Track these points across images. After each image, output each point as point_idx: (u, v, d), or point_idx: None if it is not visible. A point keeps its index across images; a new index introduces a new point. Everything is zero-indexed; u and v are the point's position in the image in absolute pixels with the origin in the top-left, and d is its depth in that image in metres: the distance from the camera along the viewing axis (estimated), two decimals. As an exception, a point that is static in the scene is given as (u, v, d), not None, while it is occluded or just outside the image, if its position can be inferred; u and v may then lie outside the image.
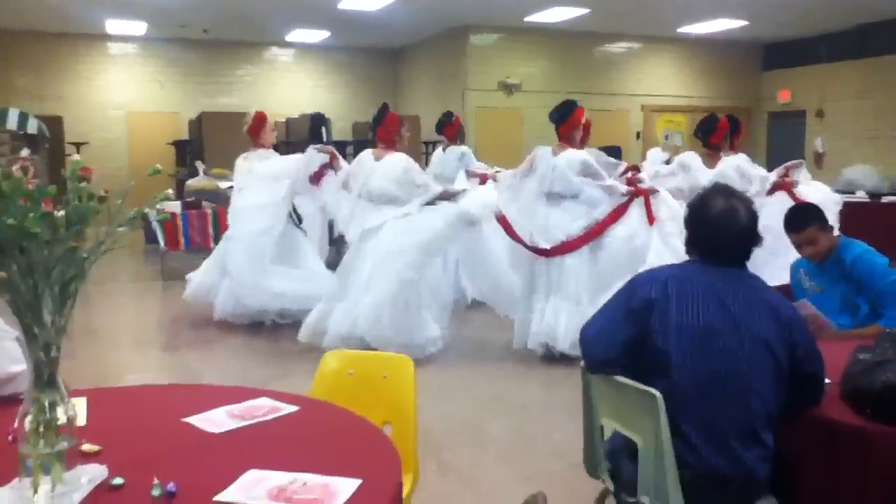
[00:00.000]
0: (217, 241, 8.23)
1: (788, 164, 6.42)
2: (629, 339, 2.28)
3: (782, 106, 14.52)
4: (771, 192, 6.04)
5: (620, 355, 2.29)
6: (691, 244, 2.39)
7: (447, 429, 4.18)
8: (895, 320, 3.11)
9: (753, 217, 2.33)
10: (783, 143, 14.40)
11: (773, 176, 6.07)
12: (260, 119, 6.44)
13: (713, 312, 2.21)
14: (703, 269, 2.31)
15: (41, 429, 1.52)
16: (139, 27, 12.74)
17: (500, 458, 3.84)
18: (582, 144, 5.53)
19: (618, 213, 5.32)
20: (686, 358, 2.20)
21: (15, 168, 1.51)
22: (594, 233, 5.28)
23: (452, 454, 3.84)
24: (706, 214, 2.33)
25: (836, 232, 3.54)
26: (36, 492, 1.49)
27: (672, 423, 2.15)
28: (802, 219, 3.27)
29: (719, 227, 2.29)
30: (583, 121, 5.52)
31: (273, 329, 6.27)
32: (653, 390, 2.15)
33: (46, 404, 1.53)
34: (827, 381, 2.30)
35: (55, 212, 1.52)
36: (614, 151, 9.96)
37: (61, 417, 1.54)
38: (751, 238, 2.31)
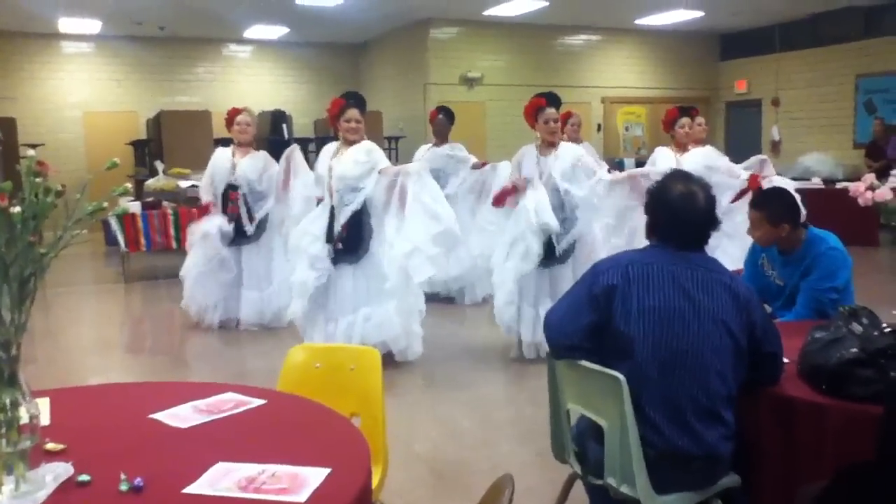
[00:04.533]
0: (179, 242, 8.14)
1: (756, 159, 6.33)
2: (592, 324, 2.32)
3: (739, 95, 14.76)
4: (739, 195, 5.96)
5: (584, 340, 2.33)
6: (651, 228, 2.43)
7: (414, 421, 4.20)
8: (795, 316, 3.16)
9: (711, 201, 2.38)
10: (741, 132, 14.65)
11: (744, 173, 6.04)
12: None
13: (673, 295, 2.26)
14: (662, 252, 2.35)
15: (2, 428, 1.50)
16: (93, 25, 12.50)
17: (468, 448, 3.87)
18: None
19: None
20: (647, 340, 2.24)
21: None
22: None
23: (420, 445, 3.86)
24: (665, 199, 2.37)
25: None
26: (0, 491, 1.47)
27: (635, 404, 2.20)
28: (760, 201, 3.27)
29: (678, 212, 2.34)
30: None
31: (239, 330, 6.22)
32: (617, 374, 2.20)
33: (7, 403, 1.52)
34: (785, 360, 2.37)
35: (11, 208, 1.50)
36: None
37: (23, 416, 1.53)
38: (709, 222, 2.36)
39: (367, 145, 5.05)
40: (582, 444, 2.45)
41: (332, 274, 5.02)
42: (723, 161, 6.18)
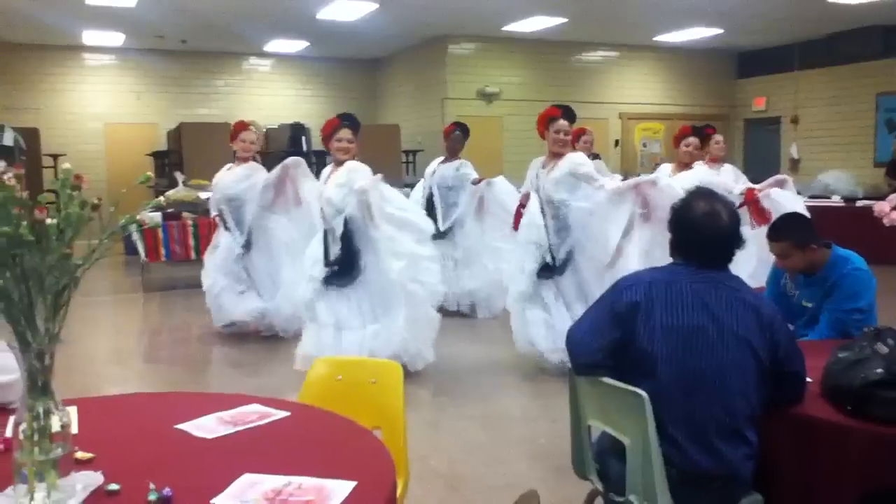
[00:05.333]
0: (198, 252, 8.21)
1: (774, 180, 6.29)
2: (614, 342, 2.32)
3: (757, 113, 14.72)
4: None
5: (606, 358, 2.33)
6: (674, 246, 2.43)
7: (433, 437, 4.20)
8: (818, 337, 3.13)
9: (735, 219, 2.38)
10: (759, 149, 14.60)
11: (738, 188, 6.01)
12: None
13: (696, 313, 2.26)
14: (686, 271, 2.35)
15: (35, 436, 1.52)
16: (116, 38, 12.66)
17: (485, 464, 3.86)
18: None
19: None
20: (670, 359, 2.24)
21: (7, 177, 1.52)
22: None
23: (439, 461, 3.86)
24: (689, 217, 2.38)
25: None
26: (32, 499, 1.49)
27: (657, 423, 2.19)
28: (779, 230, 3.22)
29: (701, 230, 2.34)
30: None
31: (255, 340, 6.25)
32: (639, 391, 2.19)
33: (41, 412, 1.54)
34: (808, 379, 2.35)
35: (47, 220, 1.53)
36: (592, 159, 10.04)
37: (55, 425, 1.55)
38: (733, 240, 2.36)
39: (349, 165, 5.10)
40: (603, 461, 2.45)
41: (332, 295, 5.07)
42: (718, 179, 6.12)
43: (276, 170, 6.03)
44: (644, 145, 14.65)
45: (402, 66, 14.65)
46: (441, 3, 10.52)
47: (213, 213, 6.48)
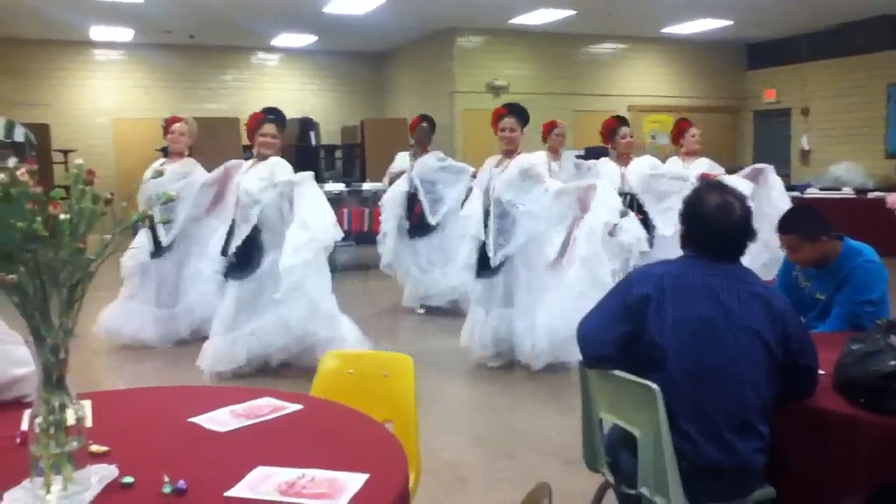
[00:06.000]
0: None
1: (751, 169, 6.20)
2: (625, 335, 2.32)
3: (767, 104, 14.65)
4: None
5: (617, 350, 2.33)
6: (686, 239, 2.43)
7: (442, 430, 4.20)
8: (829, 329, 3.12)
9: (747, 212, 2.37)
10: (769, 141, 14.53)
11: (692, 175, 5.98)
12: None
13: (707, 306, 2.26)
14: (697, 263, 2.35)
15: (51, 430, 1.53)
16: (125, 34, 12.69)
17: (498, 458, 3.87)
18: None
19: None
20: (681, 351, 2.24)
21: (20, 172, 1.53)
22: None
23: (450, 454, 3.87)
24: (701, 209, 2.37)
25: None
26: (48, 491, 1.50)
27: (668, 415, 2.19)
28: (787, 223, 3.20)
29: (713, 223, 2.34)
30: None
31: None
32: (651, 383, 2.19)
33: (56, 405, 1.55)
34: (820, 372, 2.35)
35: (60, 215, 1.53)
36: (601, 152, 9.99)
37: (70, 418, 1.56)
38: (745, 233, 2.36)
39: (274, 160, 5.12)
40: (614, 454, 2.45)
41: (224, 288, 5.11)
42: (666, 167, 6.12)
43: (218, 170, 5.82)
44: (653, 137, 14.58)
45: (409, 59, 14.63)
46: (448, -4, 10.52)
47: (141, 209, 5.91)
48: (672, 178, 5.88)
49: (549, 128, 7.50)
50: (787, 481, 2.32)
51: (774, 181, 5.98)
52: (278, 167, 5.06)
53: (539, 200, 5.03)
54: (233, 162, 5.78)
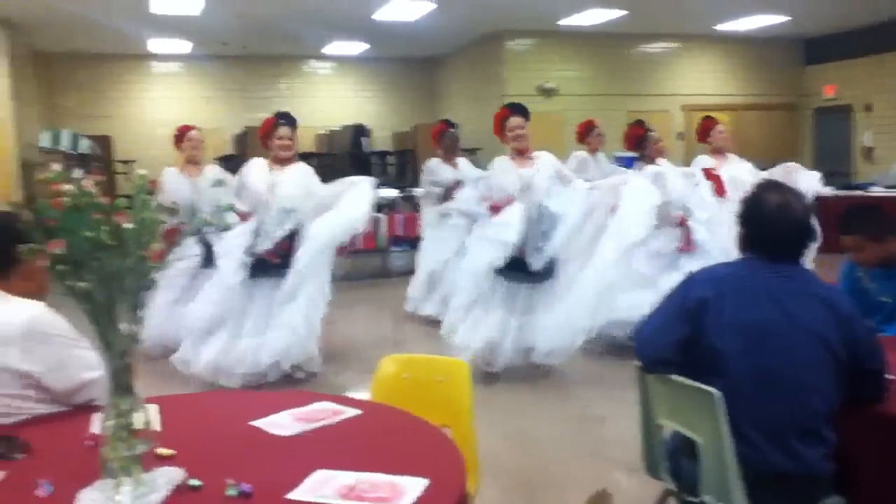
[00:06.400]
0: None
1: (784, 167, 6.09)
2: (684, 338, 2.27)
3: (827, 101, 14.24)
4: None
5: (676, 355, 2.29)
6: (745, 241, 2.37)
7: (502, 435, 4.19)
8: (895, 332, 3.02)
9: (807, 211, 2.31)
10: (830, 139, 14.12)
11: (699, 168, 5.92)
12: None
13: (768, 309, 2.20)
14: (757, 265, 2.30)
15: (120, 433, 1.58)
16: (184, 46, 13.02)
17: (557, 463, 3.84)
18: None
19: None
20: (742, 356, 2.19)
21: (88, 183, 1.58)
22: None
23: (508, 459, 3.85)
24: (760, 210, 2.32)
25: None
26: (119, 492, 1.55)
27: (731, 422, 2.14)
28: (850, 224, 3.10)
29: (774, 223, 2.28)
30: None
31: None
32: (711, 389, 2.15)
33: (124, 409, 1.60)
34: (889, 377, 2.27)
35: (125, 224, 1.58)
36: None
37: (138, 422, 1.61)
38: (805, 232, 2.30)
39: (302, 168, 5.22)
40: (676, 460, 2.41)
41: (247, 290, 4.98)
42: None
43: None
44: (708, 137, 14.33)
45: (460, 64, 14.67)
46: (498, 0, 10.50)
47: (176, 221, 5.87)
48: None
49: (588, 127, 7.42)
50: (858, 491, 2.25)
51: (804, 177, 5.85)
52: (311, 177, 5.18)
53: (570, 200, 4.98)
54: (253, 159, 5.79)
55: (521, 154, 5.14)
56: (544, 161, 5.12)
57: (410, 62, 15.23)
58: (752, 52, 14.13)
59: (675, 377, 2.27)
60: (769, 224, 2.30)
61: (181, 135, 6.25)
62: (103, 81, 13.76)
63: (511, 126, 5.12)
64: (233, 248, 4.96)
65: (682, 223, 5.70)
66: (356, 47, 13.78)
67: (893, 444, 2.17)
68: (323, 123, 12.93)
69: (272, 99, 14.63)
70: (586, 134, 7.61)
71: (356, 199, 5.03)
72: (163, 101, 14.15)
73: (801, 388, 2.16)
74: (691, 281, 2.35)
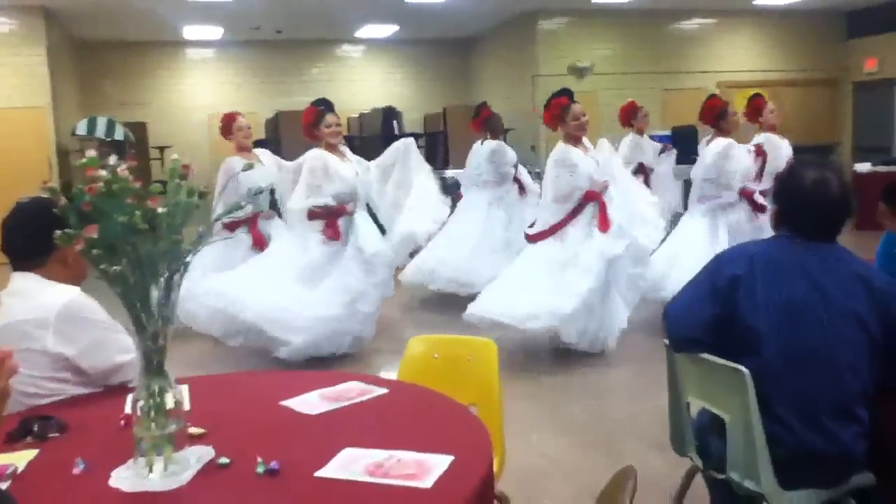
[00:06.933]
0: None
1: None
2: (714, 317, 2.25)
3: (869, 75, 13.88)
4: None
5: (706, 334, 2.27)
6: (780, 217, 2.34)
7: (529, 414, 4.21)
8: None
9: (846, 188, 2.27)
10: (870, 113, 13.77)
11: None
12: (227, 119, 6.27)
13: (802, 287, 2.17)
14: (791, 243, 2.27)
15: (152, 413, 1.62)
16: (215, 32, 13.12)
17: (585, 442, 3.85)
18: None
19: None
20: (775, 335, 2.16)
21: (121, 169, 1.61)
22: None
23: (537, 437, 3.87)
24: (797, 186, 2.27)
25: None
26: (151, 470, 1.59)
27: (763, 401, 2.12)
28: (890, 194, 3.09)
29: (811, 200, 2.24)
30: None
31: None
32: (740, 367, 2.13)
33: (156, 390, 1.64)
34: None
35: (158, 208, 1.61)
36: (688, 131, 9.69)
37: (169, 402, 1.65)
38: (844, 209, 2.25)
39: (348, 153, 5.40)
40: (703, 438, 2.40)
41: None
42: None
43: (299, 160, 5.68)
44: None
45: (492, 44, 14.57)
46: (530, -21, 10.42)
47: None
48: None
49: (632, 109, 7.35)
50: (891, 468, 2.22)
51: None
52: (361, 163, 5.42)
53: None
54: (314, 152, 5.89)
55: (579, 140, 5.14)
56: (600, 145, 5.26)
57: (441, 44, 15.17)
58: (791, 26, 13.81)
59: (703, 355, 2.25)
60: (805, 201, 2.26)
61: (228, 124, 6.29)
62: (139, 69, 13.95)
63: (576, 113, 5.10)
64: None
65: (748, 195, 5.73)
66: (387, 30, 13.76)
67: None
68: (355, 107, 12.95)
69: (305, 83, 14.71)
70: (632, 116, 7.55)
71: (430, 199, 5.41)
72: (197, 88, 14.31)
73: (835, 368, 2.14)
74: (722, 258, 2.33)
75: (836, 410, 2.14)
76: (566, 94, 5.22)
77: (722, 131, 5.81)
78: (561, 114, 5.12)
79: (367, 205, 5.55)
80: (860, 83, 14.11)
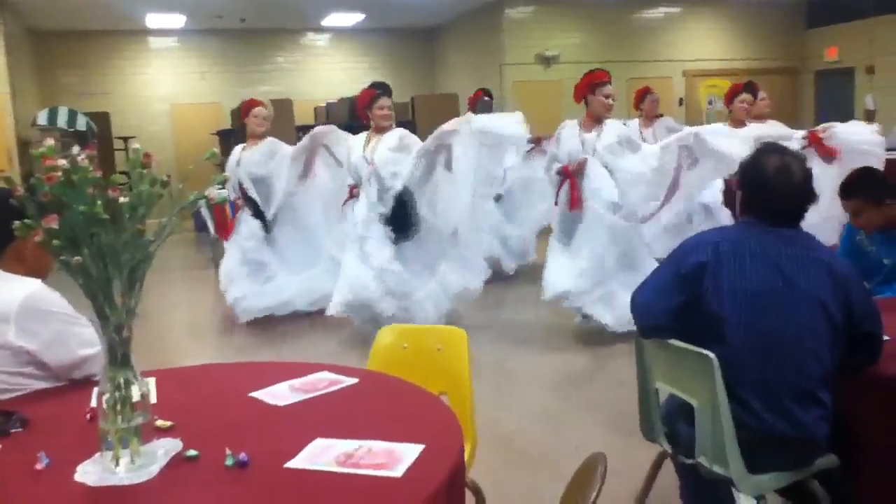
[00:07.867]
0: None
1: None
2: (680, 305, 2.28)
3: (829, 64, 14.11)
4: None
5: (671, 321, 2.29)
6: (744, 204, 2.36)
7: (499, 402, 4.22)
8: (894, 293, 3.03)
9: (807, 174, 2.30)
10: (832, 102, 14.01)
11: (798, 133, 5.89)
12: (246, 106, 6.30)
13: (766, 273, 2.20)
14: (756, 229, 2.29)
15: (118, 406, 1.59)
16: (178, 20, 12.91)
17: (554, 429, 3.88)
18: None
19: None
20: (740, 321, 2.19)
21: (81, 158, 1.58)
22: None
23: (506, 426, 3.89)
24: (759, 173, 2.30)
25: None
26: (117, 464, 1.56)
27: (728, 386, 2.15)
28: (850, 187, 3.12)
29: (773, 186, 2.27)
30: None
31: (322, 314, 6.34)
32: (707, 352, 2.15)
33: (121, 382, 1.61)
34: (886, 338, 2.28)
35: (120, 198, 1.58)
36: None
37: (135, 395, 1.62)
38: (805, 196, 2.28)
39: (400, 132, 5.36)
40: (672, 424, 2.42)
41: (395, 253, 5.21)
42: (779, 131, 5.99)
43: (304, 141, 5.96)
44: (710, 103, 14.22)
45: (458, 33, 14.53)
46: (496, -33, 10.40)
47: (233, 195, 6.13)
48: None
49: (643, 94, 7.41)
50: (855, 450, 2.27)
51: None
52: (408, 138, 5.34)
53: (647, 161, 5.08)
54: (321, 128, 6.02)
55: (599, 121, 5.16)
56: (609, 127, 5.15)
57: (408, 32, 15.10)
58: (753, 16, 13.98)
59: (671, 341, 2.27)
60: (768, 188, 2.29)
61: (247, 109, 6.29)
62: (101, 58, 13.69)
63: (608, 92, 5.11)
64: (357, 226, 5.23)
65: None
66: (353, 18, 13.65)
67: (887, 405, 2.19)
68: (321, 96, 12.84)
69: (270, 72, 14.55)
70: (641, 100, 7.59)
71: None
72: (160, 77, 14.08)
73: (799, 353, 2.17)
74: (686, 246, 2.35)
75: (799, 395, 2.17)
76: (606, 73, 5.25)
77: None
78: (598, 84, 5.12)
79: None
80: (821, 72, 14.33)
